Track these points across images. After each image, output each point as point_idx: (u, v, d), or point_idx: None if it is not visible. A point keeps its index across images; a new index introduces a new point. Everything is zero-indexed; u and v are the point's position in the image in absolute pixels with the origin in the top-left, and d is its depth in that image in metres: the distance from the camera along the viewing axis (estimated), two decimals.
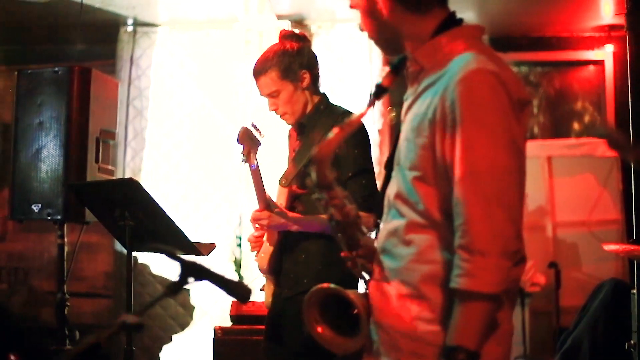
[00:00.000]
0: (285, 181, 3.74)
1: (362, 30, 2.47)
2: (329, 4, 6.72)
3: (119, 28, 7.27)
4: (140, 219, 3.61)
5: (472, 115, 2.13)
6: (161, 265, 6.89)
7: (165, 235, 3.68)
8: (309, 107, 3.76)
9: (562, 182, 7.29)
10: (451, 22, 2.35)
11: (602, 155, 7.20)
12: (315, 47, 7.10)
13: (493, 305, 2.13)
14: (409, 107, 2.35)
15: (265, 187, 3.72)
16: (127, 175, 6.91)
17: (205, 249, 3.63)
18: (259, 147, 3.74)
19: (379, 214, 2.48)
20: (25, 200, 4.58)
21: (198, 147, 7.20)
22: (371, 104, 2.21)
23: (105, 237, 6.82)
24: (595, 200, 7.21)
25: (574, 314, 5.66)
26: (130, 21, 7.21)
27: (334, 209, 2.29)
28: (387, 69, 2.31)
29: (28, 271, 7.38)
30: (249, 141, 3.70)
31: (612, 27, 7.40)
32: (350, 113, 3.64)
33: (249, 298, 1.96)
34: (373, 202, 3.01)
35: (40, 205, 4.52)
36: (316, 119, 3.74)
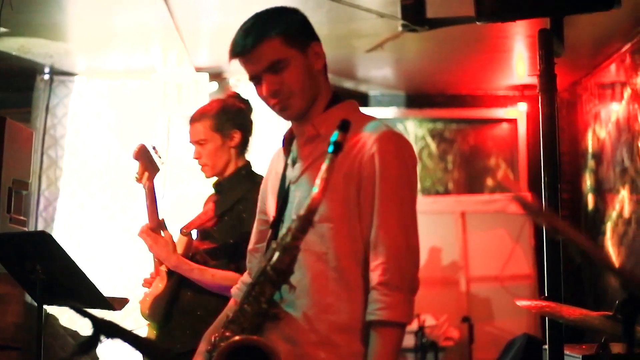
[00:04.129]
0: (185, 230, 3.76)
1: (274, 87, 2.50)
2: None
3: (35, 76, 7.18)
4: (52, 272, 3.55)
5: (389, 167, 2.43)
6: (73, 318, 6.76)
7: (78, 290, 3.63)
8: (231, 169, 3.81)
9: (475, 237, 7.40)
10: (337, 96, 2.64)
11: (515, 211, 7.33)
12: None
13: (403, 334, 2.44)
14: (306, 168, 2.54)
15: (158, 210, 3.74)
16: (40, 225, 6.82)
17: (119, 303, 3.58)
18: (157, 174, 3.77)
19: None
20: None
21: (113, 197, 7.12)
22: (333, 159, 2.22)
23: (15, 288, 6.67)
24: (508, 255, 7.34)
25: None
26: (47, 69, 7.12)
27: (288, 256, 2.27)
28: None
29: None
30: (145, 160, 3.73)
31: (525, 87, 7.61)
32: None
33: (164, 358, 1.94)
34: None
35: None
36: (234, 182, 3.80)
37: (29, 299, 6.86)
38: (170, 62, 6.85)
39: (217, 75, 7.10)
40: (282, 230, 2.47)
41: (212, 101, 3.92)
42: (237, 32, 2.53)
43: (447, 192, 7.80)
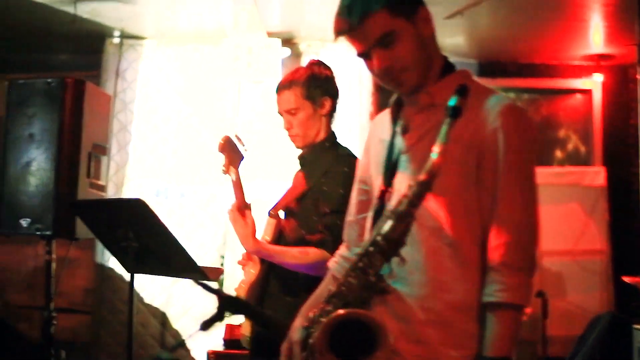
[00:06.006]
0: (273, 212, 3.67)
1: (387, 64, 2.37)
2: (321, 21, 6.63)
3: (105, 39, 7.12)
4: (145, 240, 3.48)
5: (514, 142, 2.31)
6: (142, 283, 6.74)
7: (171, 259, 3.56)
8: (319, 138, 3.70)
9: (547, 211, 7.21)
10: (449, 63, 2.50)
11: (589, 184, 7.18)
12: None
13: (521, 317, 2.32)
14: (419, 138, 2.40)
15: (244, 193, 3.63)
16: (110, 191, 6.78)
17: (213, 273, 3.49)
18: (242, 161, 3.68)
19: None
20: (14, 214, 4.43)
21: (182, 163, 7.07)
22: (452, 124, 2.10)
23: (84, 252, 6.68)
24: (581, 229, 7.18)
25: (559, 344, 5.61)
26: (117, 33, 7.06)
27: (402, 225, 2.13)
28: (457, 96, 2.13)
29: (4, 285, 7.19)
30: (230, 152, 3.64)
31: (601, 57, 7.41)
32: (352, 155, 3.65)
33: (285, 335, 1.85)
34: (338, 245, 2.92)
35: (29, 220, 4.38)
36: (317, 154, 3.69)
37: (98, 262, 6.88)
38: (242, 26, 6.73)
39: (288, 41, 6.99)
40: (391, 201, 2.35)
41: (297, 69, 3.78)
42: (339, 8, 2.38)
43: None
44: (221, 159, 3.63)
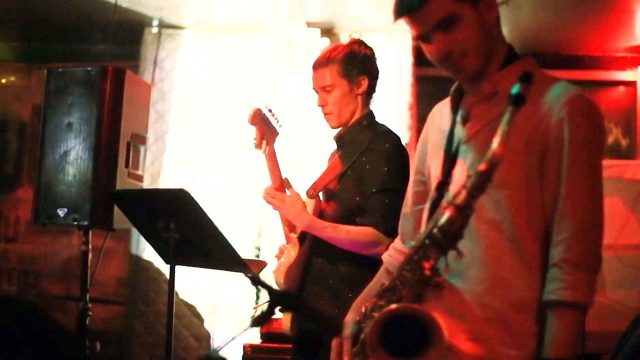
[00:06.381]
0: (312, 192, 3.60)
1: (446, 48, 2.31)
2: (360, 12, 6.56)
3: (143, 29, 7.09)
4: (187, 232, 3.42)
5: (581, 134, 2.23)
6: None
7: (213, 251, 3.49)
8: (355, 117, 3.61)
9: None
10: (513, 51, 2.43)
11: (631, 177, 7.05)
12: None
13: (584, 317, 2.25)
14: (481, 128, 2.33)
15: (279, 169, 3.59)
16: (146, 181, 6.74)
17: (256, 266, 3.42)
18: (276, 137, 3.63)
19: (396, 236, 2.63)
20: (51, 203, 4.38)
21: (220, 154, 7.00)
22: (514, 113, 2.01)
23: (119, 242, 6.65)
24: (622, 224, 7.04)
25: (598, 339, 5.50)
26: (155, 22, 7.03)
27: (460, 217, 2.02)
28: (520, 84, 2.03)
29: (38, 274, 7.20)
30: (262, 125, 3.58)
31: None
32: (392, 132, 3.58)
33: (336, 331, 1.78)
34: (393, 224, 2.85)
35: (66, 209, 4.34)
36: (355, 133, 3.61)
37: (133, 253, 6.85)
38: (281, 16, 6.66)
39: (328, 31, 6.90)
40: (451, 193, 2.26)
41: (336, 46, 3.71)
42: None
43: None
44: (252, 133, 3.58)
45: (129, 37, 7.01)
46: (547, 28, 7.08)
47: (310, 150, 6.54)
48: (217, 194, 6.96)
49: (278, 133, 3.65)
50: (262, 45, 6.70)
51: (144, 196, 3.98)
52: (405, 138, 6.85)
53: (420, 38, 2.34)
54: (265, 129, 3.59)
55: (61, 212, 4.35)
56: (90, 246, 4.44)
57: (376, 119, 3.67)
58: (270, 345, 4.72)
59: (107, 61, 6.38)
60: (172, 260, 3.41)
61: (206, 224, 3.42)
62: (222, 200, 6.93)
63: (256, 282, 1.68)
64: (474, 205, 2.00)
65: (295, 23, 6.66)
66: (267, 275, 3.56)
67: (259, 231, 6.84)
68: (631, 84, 7.63)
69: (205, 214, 3.41)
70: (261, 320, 1.68)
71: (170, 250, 3.39)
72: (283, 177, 3.61)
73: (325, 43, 6.84)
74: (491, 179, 1.97)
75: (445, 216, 2.02)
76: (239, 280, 6.70)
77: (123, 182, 4.38)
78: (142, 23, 7.03)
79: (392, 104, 6.86)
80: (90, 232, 4.44)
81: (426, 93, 7.16)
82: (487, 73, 2.35)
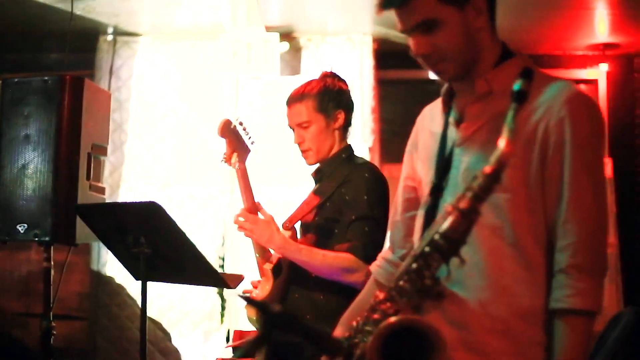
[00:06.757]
0: (289, 223, 3.48)
1: (423, 50, 2.23)
2: (320, 15, 6.47)
3: (98, 37, 6.94)
4: (159, 246, 3.28)
5: (582, 133, 2.16)
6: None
7: (187, 265, 3.36)
8: (333, 152, 3.56)
9: None
10: (508, 50, 2.35)
11: None
12: (304, 61, 6.92)
13: (593, 324, 2.16)
14: (477, 129, 2.24)
15: (252, 189, 3.48)
16: (106, 192, 6.58)
17: (233, 281, 3.29)
18: (248, 155, 3.56)
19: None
20: (10, 219, 4.20)
21: (180, 163, 6.87)
22: (518, 110, 1.91)
23: (79, 256, 6.48)
24: None
25: None
26: (110, 30, 6.88)
27: (465, 222, 1.91)
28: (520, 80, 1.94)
29: None
30: (233, 138, 3.50)
31: (606, 46, 7.27)
32: (370, 163, 3.57)
33: (341, 355, 1.66)
34: (373, 252, 2.78)
35: (26, 225, 4.15)
36: (334, 166, 3.54)
37: (94, 268, 6.68)
38: (240, 20, 6.55)
39: (287, 35, 6.80)
40: (446, 198, 2.21)
41: (309, 81, 3.63)
42: None
43: None
44: (222, 147, 3.48)
45: (84, 45, 6.85)
46: (506, 28, 6.85)
47: (271, 158, 6.44)
48: (178, 203, 6.82)
49: (250, 150, 3.56)
50: (221, 50, 6.58)
51: (111, 210, 3.82)
52: (368, 142, 6.77)
53: (403, 32, 2.26)
54: (236, 143, 3.51)
55: (21, 228, 4.16)
56: (52, 262, 4.28)
57: (354, 152, 3.62)
58: None
59: (61, 70, 6.23)
60: (144, 276, 3.27)
61: (179, 238, 3.29)
62: (184, 210, 6.80)
63: (251, 302, 1.56)
64: (480, 209, 1.90)
65: (253, 27, 6.56)
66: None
67: (222, 241, 6.72)
68: (592, 82, 7.62)
69: (178, 227, 3.28)
70: (256, 345, 1.56)
71: (142, 265, 3.25)
72: (256, 201, 3.49)
73: (285, 47, 6.75)
74: (499, 180, 1.88)
75: (448, 221, 1.92)
76: (203, 291, 6.59)
77: (85, 195, 4.22)
78: (96, 31, 6.90)
79: (354, 107, 6.76)
80: (52, 247, 4.27)
81: (388, 96, 7.10)
82: (479, 72, 2.26)
